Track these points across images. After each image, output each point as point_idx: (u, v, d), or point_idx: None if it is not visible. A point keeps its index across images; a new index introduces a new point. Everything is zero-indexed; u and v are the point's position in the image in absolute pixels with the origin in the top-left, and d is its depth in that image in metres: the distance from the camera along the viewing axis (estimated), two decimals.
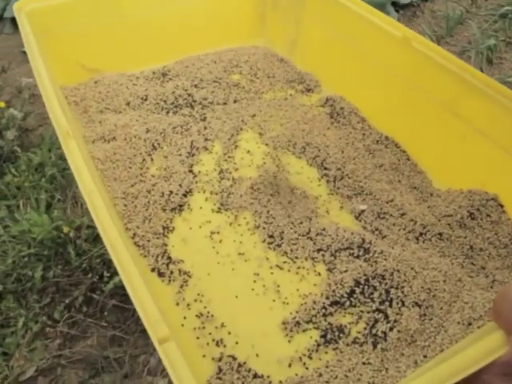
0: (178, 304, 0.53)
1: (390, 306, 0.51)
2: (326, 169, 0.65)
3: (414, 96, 0.67)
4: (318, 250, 0.56)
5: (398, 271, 0.53)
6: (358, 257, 0.55)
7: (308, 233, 0.57)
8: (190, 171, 0.64)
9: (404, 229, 0.59)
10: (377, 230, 0.59)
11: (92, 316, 0.82)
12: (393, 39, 0.68)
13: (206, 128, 0.70)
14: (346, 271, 0.54)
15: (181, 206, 0.61)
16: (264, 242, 0.58)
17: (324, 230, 0.58)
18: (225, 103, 0.75)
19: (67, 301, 0.82)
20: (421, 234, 0.58)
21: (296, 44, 0.83)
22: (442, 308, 0.50)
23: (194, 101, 0.74)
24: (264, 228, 0.58)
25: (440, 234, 0.58)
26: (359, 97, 0.74)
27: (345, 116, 0.73)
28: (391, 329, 0.49)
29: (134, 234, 0.57)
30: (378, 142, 0.70)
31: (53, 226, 0.86)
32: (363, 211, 0.61)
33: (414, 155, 0.69)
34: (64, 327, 0.80)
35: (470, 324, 0.48)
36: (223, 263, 0.56)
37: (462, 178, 0.64)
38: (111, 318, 0.81)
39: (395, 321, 0.50)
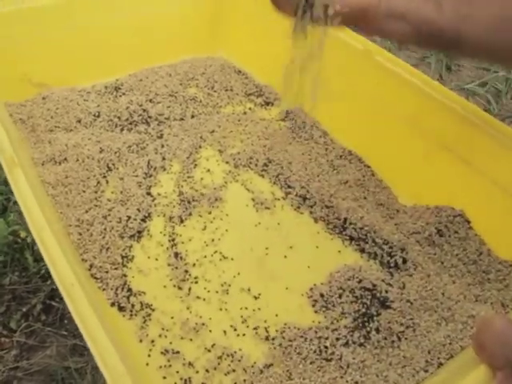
0: (141, 341, 0.49)
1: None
2: (289, 187, 0.63)
3: (377, 110, 0.66)
4: None
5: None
6: None
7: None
8: (148, 193, 0.60)
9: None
10: None
11: (51, 324, 0.77)
12: (354, 52, 0.66)
13: (163, 146, 0.66)
14: None
15: (140, 232, 0.57)
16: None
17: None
18: (182, 119, 0.71)
19: (24, 309, 0.76)
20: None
21: (254, 55, 0.79)
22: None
23: (150, 117, 0.70)
24: (233, 259, 0.55)
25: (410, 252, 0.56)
26: (320, 110, 0.70)
27: (306, 130, 0.71)
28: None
29: (91, 266, 0.52)
30: (341, 156, 0.68)
31: (9, 230, 0.79)
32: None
33: (379, 170, 0.67)
34: (21, 337, 0.74)
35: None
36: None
37: (427, 194, 0.62)
38: (71, 326, 0.76)
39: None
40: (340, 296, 0.52)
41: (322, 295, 0.53)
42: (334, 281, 0.54)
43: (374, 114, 0.67)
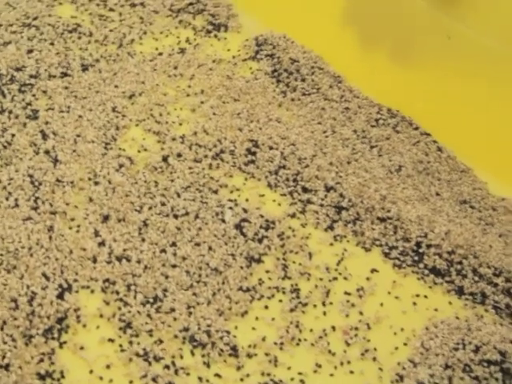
0: None
1: None
2: (306, 191, 0.46)
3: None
4: None
5: None
6: None
7: None
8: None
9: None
10: None
11: None
12: None
13: (45, 137, 0.44)
14: None
15: None
16: None
17: None
18: (64, 74, 0.49)
19: None
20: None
21: None
22: None
23: None
24: None
25: None
26: (324, 34, 0.54)
27: (303, 76, 0.53)
28: None
29: None
30: (377, 121, 0.51)
31: None
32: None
33: (448, 141, 0.51)
34: None
35: None
36: None
37: None
38: None
39: None
40: (450, 381, 0.39)
41: None
42: (431, 355, 0.40)
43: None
